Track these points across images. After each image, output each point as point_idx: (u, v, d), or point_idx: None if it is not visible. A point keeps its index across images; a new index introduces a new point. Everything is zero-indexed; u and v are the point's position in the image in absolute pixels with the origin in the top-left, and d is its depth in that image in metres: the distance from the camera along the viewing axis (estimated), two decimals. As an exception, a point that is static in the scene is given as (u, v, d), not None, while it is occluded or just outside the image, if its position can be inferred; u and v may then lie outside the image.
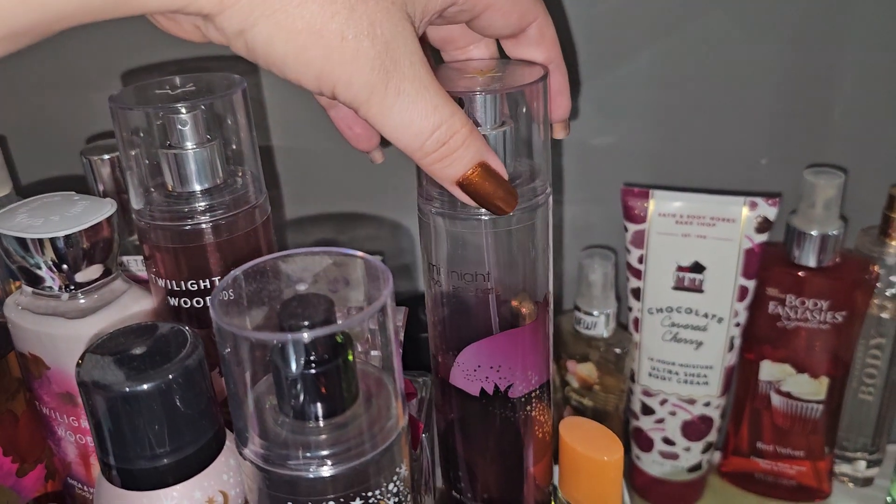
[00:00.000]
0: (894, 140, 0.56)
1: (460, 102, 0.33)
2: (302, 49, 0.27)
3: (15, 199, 0.51)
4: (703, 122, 0.56)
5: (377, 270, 0.29)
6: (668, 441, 0.60)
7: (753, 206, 0.52)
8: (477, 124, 0.34)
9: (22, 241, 0.38)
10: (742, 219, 0.53)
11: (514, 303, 0.39)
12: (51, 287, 0.40)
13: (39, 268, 0.39)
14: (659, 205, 0.54)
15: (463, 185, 0.32)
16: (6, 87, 0.54)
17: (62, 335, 0.39)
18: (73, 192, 0.42)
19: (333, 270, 0.30)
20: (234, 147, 0.39)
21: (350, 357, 0.28)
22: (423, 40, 0.35)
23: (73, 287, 0.40)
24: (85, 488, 0.44)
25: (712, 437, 0.60)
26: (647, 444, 0.61)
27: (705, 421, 0.59)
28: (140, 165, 0.39)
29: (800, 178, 0.54)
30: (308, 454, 0.28)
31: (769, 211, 0.52)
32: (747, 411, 0.60)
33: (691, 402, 0.58)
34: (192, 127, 0.37)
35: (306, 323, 0.27)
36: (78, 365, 0.30)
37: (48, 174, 0.56)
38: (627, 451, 0.61)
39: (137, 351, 0.30)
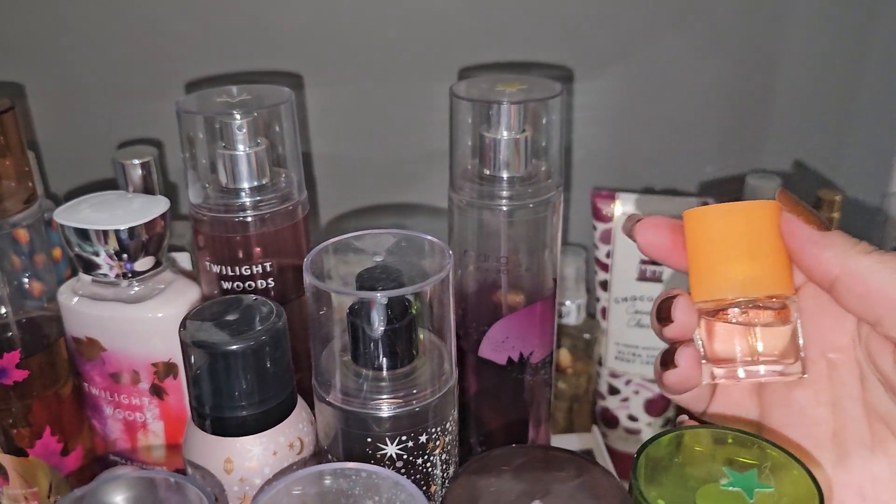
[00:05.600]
0: (820, 150, 0.65)
1: (489, 110, 0.40)
2: None
3: (45, 202, 0.54)
4: (659, 132, 0.64)
5: (440, 248, 0.35)
6: (632, 418, 0.67)
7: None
8: (503, 130, 0.41)
9: (83, 232, 0.43)
10: (696, 217, 0.61)
11: (497, 297, 0.45)
12: (106, 275, 0.44)
13: (98, 255, 0.43)
14: (623, 205, 0.62)
15: None
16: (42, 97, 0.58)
17: (123, 318, 0.43)
18: (125, 191, 0.46)
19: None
20: (280, 151, 0.45)
21: (418, 317, 0.34)
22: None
23: (130, 275, 0.44)
24: (128, 462, 0.48)
25: (670, 412, 0.67)
26: (613, 422, 0.68)
27: (665, 398, 0.66)
28: (198, 164, 0.44)
29: (742, 182, 0.62)
30: (382, 397, 0.34)
31: (719, 210, 0.60)
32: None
33: (653, 381, 0.65)
34: (246, 132, 0.43)
35: (381, 286, 0.33)
36: (181, 329, 0.34)
37: (78, 181, 0.60)
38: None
39: (231, 317, 0.35)
